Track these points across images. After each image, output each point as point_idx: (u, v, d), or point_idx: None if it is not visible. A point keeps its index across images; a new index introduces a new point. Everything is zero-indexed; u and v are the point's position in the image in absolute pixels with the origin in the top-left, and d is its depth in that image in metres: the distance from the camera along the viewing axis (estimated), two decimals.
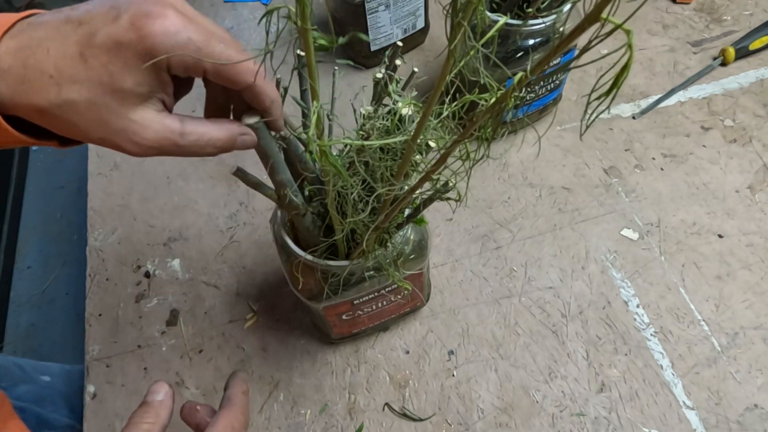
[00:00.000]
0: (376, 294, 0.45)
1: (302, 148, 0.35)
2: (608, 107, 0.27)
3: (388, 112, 0.33)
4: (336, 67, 0.39)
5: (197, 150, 0.30)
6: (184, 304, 0.57)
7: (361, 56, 0.70)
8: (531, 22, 0.51)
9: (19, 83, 0.26)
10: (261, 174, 0.33)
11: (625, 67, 0.19)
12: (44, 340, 1.34)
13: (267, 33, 0.24)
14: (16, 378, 0.62)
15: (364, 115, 0.34)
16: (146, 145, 0.29)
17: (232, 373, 0.42)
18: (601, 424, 0.48)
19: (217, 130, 0.31)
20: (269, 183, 0.34)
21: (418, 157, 0.31)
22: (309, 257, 0.39)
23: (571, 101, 0.68)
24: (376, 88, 0.35)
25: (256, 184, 0.34)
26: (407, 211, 0.38)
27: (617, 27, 0.18)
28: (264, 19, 0.24)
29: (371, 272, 0.41)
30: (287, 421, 0.50)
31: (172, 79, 0.29)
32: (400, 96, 0.33)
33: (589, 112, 0.22)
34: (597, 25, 0.18)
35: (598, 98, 0.20)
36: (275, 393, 0.52)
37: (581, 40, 0.60)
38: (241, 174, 0.33)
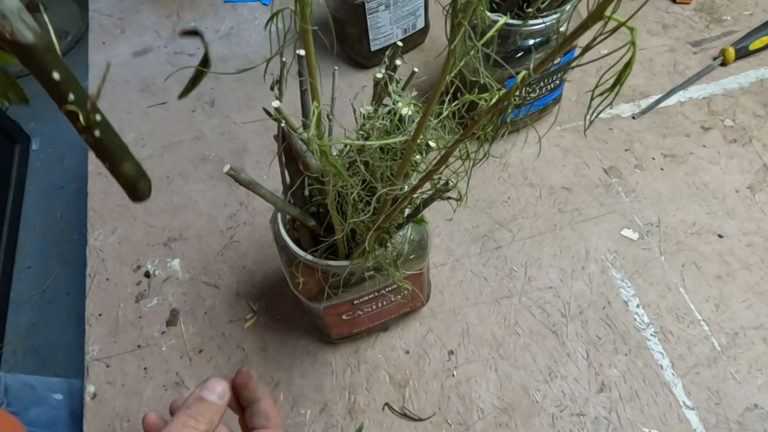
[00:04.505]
0: (376, 294, 0.45)
1: (305, 147, 0.35)
2: (611, 103, 0.27)
3: (388, 112, 0.33)
4: (336, 67, 0.39)
5: None
6: (184, 304, 0.57)
7: (361, 56, 0.70)
8: (531, 22, 0.51)
9: None
10: (261, 175, 0.33)
11: (629, 64, 0.19)
12: (44, 340, 1.34)
13: (271, 36, 0.25)
14: (28, 400, 0.61)
15: (364, 115, 0.34)
16: None
17: (243, 374, 0.38)
18: (601, 424, 0.48)
19: None
20: (264, 183, 0.34)
21: (418, 157, 0.31)
22: (309, 258, 0.39)
23: (571, 101, 0.68)
24: (376, 88, 0.35)
25: (249, 183, 0.34)
26: (407, 211, 0.38)
27: (621, 24, 0.18)
28: (270, 22, 0.25)
29: (371, 272, 0.41)
30: (287, 421, 0.50)
31: None
32: (400, 96, 0.33)
33: (593, 108, 0.22)
34: (599, 24, 0.18)
35: (600, 95, 0.20)
36: (275, 393, 0.52)
37: (582, 40, 0.60)
38: (233, 173, 0.32)
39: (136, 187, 0.27)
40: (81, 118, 0.22)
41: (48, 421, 0.59)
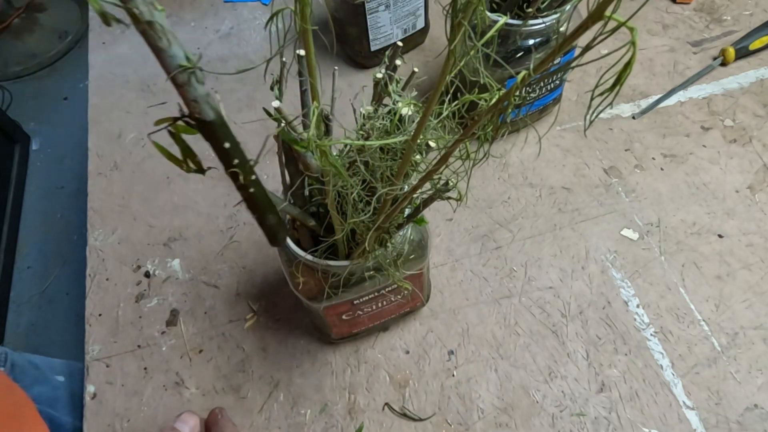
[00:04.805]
0: (376, 294, 0.45)
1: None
2: (611, 103, 0.27)
3: (388, 112, 0.33)
4: (336, 67, 0.39)
5: None
6: (184, 304, 0.57)
7: (361, 56, 0.70)
8: (531, 22, 0.51)
9: None
10: (261, 175, 0.33)
11: (629, 64, 0.19)
12: (44, 340, 1.34)
13: (271, 36, 0.25)
14: (32, 378, 0.63)
15: (364, 115, 0.34)
16: None
17: (215, 414, 0.42)
18: (601, 424, 0.48)
19: None
20: (264, 183, 0.34)
21: (418, 157, 0.31)
22: (309, 258, 0.39)
23: (571, 101, 0.68)
24: (376, 88, 0.35)
25: None
26: (407, 211, 0.38)
27: (621, 24, 0.18)
28: (270, 22, 0.25)
29: (371, 272, 0.41)
30: (287, 421, 0.50)
31: None
32: (400, 96, 0.33)
33: (593, 108, 0.22)
34: (599, 24, 0.18)
35: (600, 95, 0.20)
36: (275, 393, 0.52)
37: (582, 40, 0.60)
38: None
39: (276, 235, 0.33)
40: (241, 178, 0.27)
41: (49, 400, 0.61)
